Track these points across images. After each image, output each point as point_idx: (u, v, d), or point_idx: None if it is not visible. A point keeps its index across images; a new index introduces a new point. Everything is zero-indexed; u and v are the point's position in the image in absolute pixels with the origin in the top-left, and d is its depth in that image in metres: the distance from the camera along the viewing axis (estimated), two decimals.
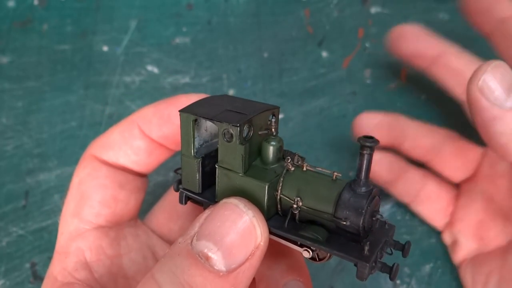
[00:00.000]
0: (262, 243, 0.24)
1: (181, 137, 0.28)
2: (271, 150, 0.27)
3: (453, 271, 0.43)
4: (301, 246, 0.26)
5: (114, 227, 0.33)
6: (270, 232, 0.26)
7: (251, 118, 0.26)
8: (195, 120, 0.27)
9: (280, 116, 0.51)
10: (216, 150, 0.28)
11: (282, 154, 0.28)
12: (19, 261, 0.43)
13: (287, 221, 0.26)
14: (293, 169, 0.26)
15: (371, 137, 0.23)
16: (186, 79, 0.53)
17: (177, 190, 0.30)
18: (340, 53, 0.54)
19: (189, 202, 0.33)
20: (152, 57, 0.54)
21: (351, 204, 0.24)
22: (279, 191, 0.26)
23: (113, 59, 0.54)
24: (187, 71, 0.53)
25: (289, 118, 0.51)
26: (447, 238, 0.42)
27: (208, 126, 0.29)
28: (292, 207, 0.26)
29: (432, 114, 0.51)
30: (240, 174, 0.26)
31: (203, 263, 0.23)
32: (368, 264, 0.23)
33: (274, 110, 0.28)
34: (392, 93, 0.52)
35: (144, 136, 0.33)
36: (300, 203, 0.25)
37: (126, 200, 0.33)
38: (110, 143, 0.33)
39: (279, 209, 0.27)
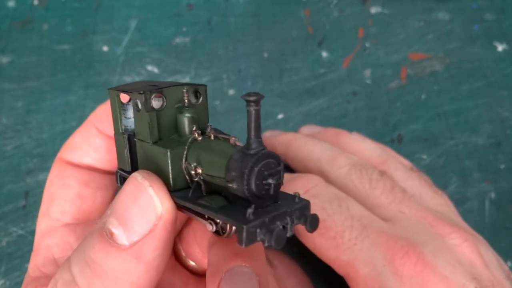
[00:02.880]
0: (164, 213, 0.24)
1: (112, 115, 0.28)
2: (185, 122, 0.27)
3: None
4: (208, 219, 0.25)
5: (82, 224, 0.34)
6: (177, 204, 0.25)
7: (162, 89, 0.26)
8: (119, 96, 0.28)
9: (280, 116, 0.51)
10: None
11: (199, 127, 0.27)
12: (19, 261, 0.43)
13: (191, 191, 0.25)
14: (200, 138, 0.26)
15: (256, 92, 0.22)
16: (186, 79, 0.53)
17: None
18: (340, 53, 0.54)
19: None
20: (152, 57, 0.54)
21: (237, 165, 0.23)
22: (183, 160, 0.26)
23: (113, 59, 0.54)
24: (187, 71, 0.53)
25: (289, 118, 0.51)
26: None
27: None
28: (192, 175, 0.25)
29: (432, 114, 0.51)
30: (150, 144, 0.26)
31: (107, 239, 0.24)
32: (245, 227, 0.21)
33: (198, 87, 0.27)
34: (392, 93, 0.52)
35: (101, 134, 0.34)
36: (200, 170, 0.25)
37: (92, 197, 0.34)
38: (73, 145, 0.34)
39: (188, 180, 0.26)
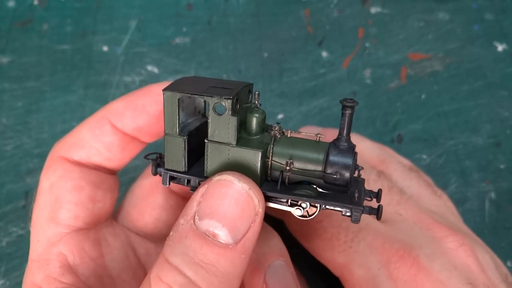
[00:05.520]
0: (260, 210, 0.26)
1: (164, 117, 0.28)
2: (256, 121, 0.28)
3: None
4: (291, 206, 0.28)
5: (93, 229, 0.32)
6: (265, 196, 0.27)
7: (238, 92, 0.27)
8: (180, 99, 0.28)
9: (280, 116, 0.51)
10: (196, 129, 0.30)
11: (265, 125, 0.30)
12: (19, 261, 0.43)
13: (279, 184, 0.28)
14: (279, 136, 0.28)
15: (351, 99, 0.26)
16: None
17: (155, 173, 0.30)
18: (340, 53, 0.54)
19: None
20: (152, 57, 0.54)
21: (339, 160, 0.27)
22: (270, 157, 0.28)
23: (113, 59, 0.54)
24: (187, 71, 0.53)
25: (289, 118, 0.51)
26: None
27: (184, 107, 0.30)
28: (283, 170, 0.28)
29: (432, 114, 0.51)
30: (233, 145, 0.27)
31: (212, 240, 0.25)
32: (362, 208, 0.26)
33: (249, 86, 0.30)
34: (392, 93, 0.52)
35: (117, 131, 0.32)
36: (292, 166, 0.28)
37: (103, 200, 0.33)
38: (80, 142, 0.32)
39: (269, 174, 0.28)
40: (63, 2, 0.57)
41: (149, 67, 0.54)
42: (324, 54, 0.55)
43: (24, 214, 0.45)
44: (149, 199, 0.36)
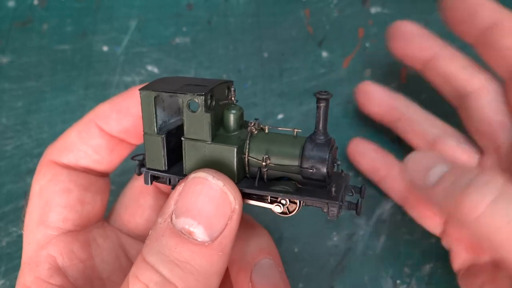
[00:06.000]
0: (237, 207, 0.26)
1: (142, 116, 0.29)
2: (232, 118, 0.28)
3: (453, 271, 0.43)
4: (271, 203, 0.27)
5: (83, 230, 0.33)
6: (243, 193, 0.27)
7: (213, 89, 0.27)
8: (156, 97, 0.28)
9: (280, 116, 0.51)
10: (177, 128, 0.29)
11: (243, 122, 0.29)
12: (19, 261, 0.43)
13: (257, 180, 0.28)
14: (256, 132, 0.28)
15: (326, 91, 0.26)
16: None
17: (139, 174, 0.30)
18: (340, 53, 0.54)
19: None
20: (152, 57, 0.54)
21: (314, 153, 0.27)
22: (246, 153, 0.28)
23: (113, 59, 0.54)
24: (187, 71, 0.53)
25: (289, 118, 0.51)
26: (444, 244, 0.41)
27: (165, 106, 0.30)
28: (260, 167, 0.27)
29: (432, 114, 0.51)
30: (208, 142, 0.27)
31: (187, 238, 0.25)
32: (337, 203, 0.26)
33: (228, 84, 0.30)
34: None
35: (104, 133, 0.33)
36: (269, 161, 0.27)
37: (92, 202, 0.33)
38: (68, 146, 0.33)
39: (247, 171, 0.28)
40: (63, 2, 0.57)
41: (149, 67, 0.54)
42: (324, 54, 0.55)
43: (23, 214, 0.45)
44: (139, 200, 0.36)
